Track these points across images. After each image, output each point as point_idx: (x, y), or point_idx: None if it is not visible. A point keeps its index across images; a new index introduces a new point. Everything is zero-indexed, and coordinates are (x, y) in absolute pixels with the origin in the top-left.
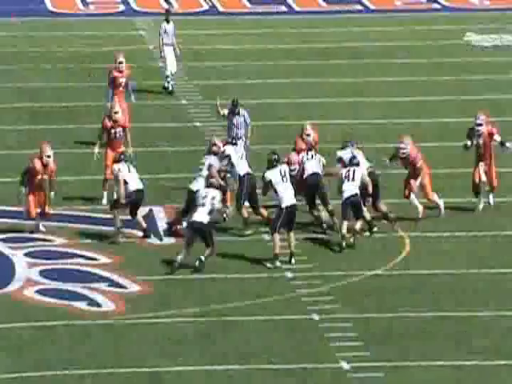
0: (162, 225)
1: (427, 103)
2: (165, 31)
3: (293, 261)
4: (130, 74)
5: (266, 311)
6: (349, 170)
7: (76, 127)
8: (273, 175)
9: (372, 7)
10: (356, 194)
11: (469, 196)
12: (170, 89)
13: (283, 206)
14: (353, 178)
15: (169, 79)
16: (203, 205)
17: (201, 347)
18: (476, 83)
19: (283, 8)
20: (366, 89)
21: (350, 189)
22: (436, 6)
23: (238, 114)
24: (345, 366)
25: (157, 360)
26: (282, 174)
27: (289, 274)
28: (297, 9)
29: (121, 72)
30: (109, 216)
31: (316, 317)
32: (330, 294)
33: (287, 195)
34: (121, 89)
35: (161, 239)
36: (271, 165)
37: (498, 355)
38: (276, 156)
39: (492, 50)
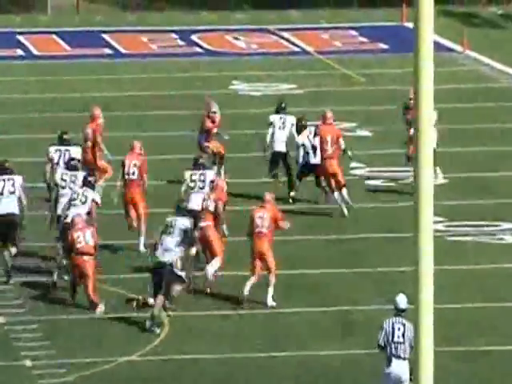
0: None
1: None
2: None
3: None
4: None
5: None
6: None
7: None
8: None
9: (123, 51)
10: None
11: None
12: None
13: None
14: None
15: None
16: None
17: None
18: (243, 136)
19: (20, 52)
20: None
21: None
22: (197, 49)
23: None
24: None
25: None
26: None
27: (28, 363)
28: (36, 53)
29: (213, 122)
30: None
31: None
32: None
33: None
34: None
35: None
36: None
37: None
38: None
39: (261, 100)
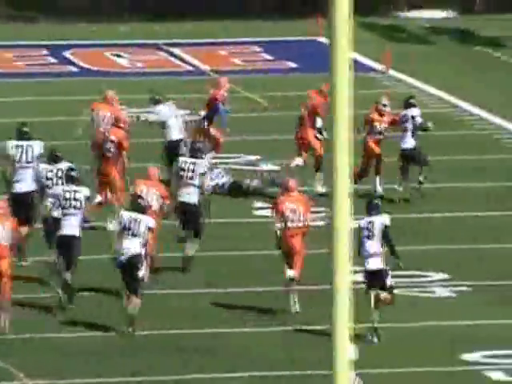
0: None
1: None
2: None
3: None
4: None
5: None
6: None
7: None
8: None
9: None
10: None
11: None
12: None
13: None
14: None
15: None
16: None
17: None
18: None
19: None
20: None
21: None
22: (71, 68)
23: None
24: None
25: None
26: None
27: None
28: None
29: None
30: None
31: None
32: None
33: None
34: None
35: None
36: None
37: None
38: None
39: (148, 127)
